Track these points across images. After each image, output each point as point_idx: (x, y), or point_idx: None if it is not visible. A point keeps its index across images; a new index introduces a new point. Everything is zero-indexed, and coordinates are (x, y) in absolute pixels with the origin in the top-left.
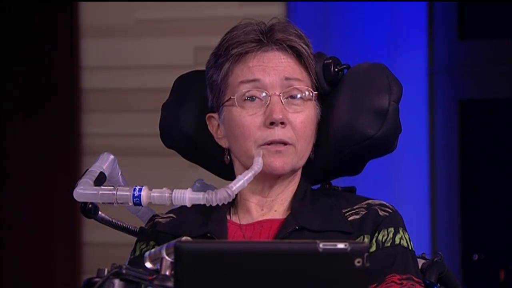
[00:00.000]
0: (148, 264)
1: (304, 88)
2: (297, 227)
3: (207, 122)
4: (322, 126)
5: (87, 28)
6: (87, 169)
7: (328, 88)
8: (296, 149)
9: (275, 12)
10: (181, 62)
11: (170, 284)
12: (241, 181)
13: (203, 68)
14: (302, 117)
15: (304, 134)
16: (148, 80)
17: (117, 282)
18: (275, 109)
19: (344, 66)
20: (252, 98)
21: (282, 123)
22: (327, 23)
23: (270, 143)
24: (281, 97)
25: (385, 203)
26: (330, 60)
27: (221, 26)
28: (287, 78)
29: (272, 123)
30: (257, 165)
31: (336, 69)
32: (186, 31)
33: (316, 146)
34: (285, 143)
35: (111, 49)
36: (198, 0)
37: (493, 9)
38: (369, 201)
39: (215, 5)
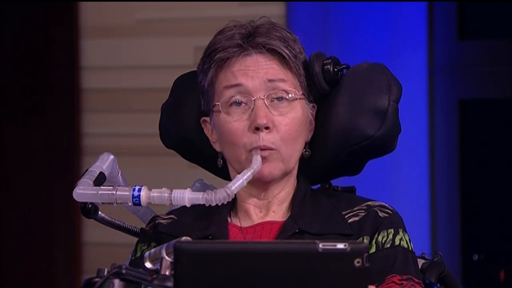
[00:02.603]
0: (148, 264)
1: (289, 89)
2: (297, 230)
3: (202, 126)
4: (322, 126)
5: (87, 28)
6: (87, 169)
7: (327, 88)
8: (281, 153)
9: (275, 12)
10: (181, 62)
11: (169, 284)
12: (240, 181)
13: None
14: (287, 120)
15: (289, 137)
16: (148, 80)
17: (117, 282)
18: (259, 113)
19: (344, 66)
20: (237, 103)
21: (267, 127)
22: (327, 23)
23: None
24: (265, 101)
25: (384, 204)
26: (330, 60)
27: (221, 26)
28: (270, 80)
29: (257, 128)
30: (256, 164)
31: (335, 69)
32: (186, 31)
33: (316, 146)
34: (268, 149)
35: (111, 49)
36: (198, 0)
37: (493, 9)
38: (369, 203)
39: (215, 5)
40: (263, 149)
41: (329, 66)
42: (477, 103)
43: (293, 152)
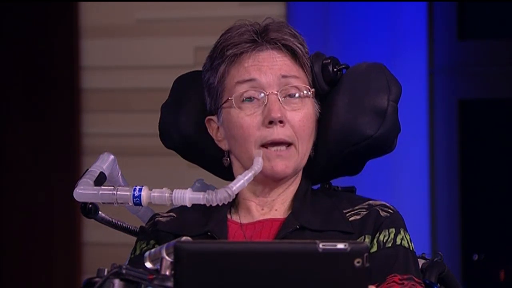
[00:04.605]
0: (148, 264)
1: (301, 85)
2: (297, 227)
3: (207, 125)
4: (322, 126)
5: (87, 28)
6: (87, 169)
7: (327, 88)
8: (297, 149)
9: (275, 12)
10: (181, 62)
11: (170, 284)
12: (241, 181)
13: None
14: (301, 115)
15: (304, 132)
16: (148, 80)
17: (117, 282)
18: (273, 108)
19: (343, 66)
20: (250, 99)
21: (281, 122)
22: (327, 23)
23: (270, 143)
24: (278, 96)
25: (386, 203)
26: (329, 60)
27: (221, 26)
28: (284, 76)
29: (271, 122)
30: (257, 165)
31: (335, 69)
32: (186, 31)
33: (316, 146)
34: (285, 143)
35: (111, 49)
36: (198, 0)
37: (493, 9)
38: (370, 202)
39: (215, 5)
40: (278, 142)
41: (328, 66)
42: (477, 103)
43: (306, 149)
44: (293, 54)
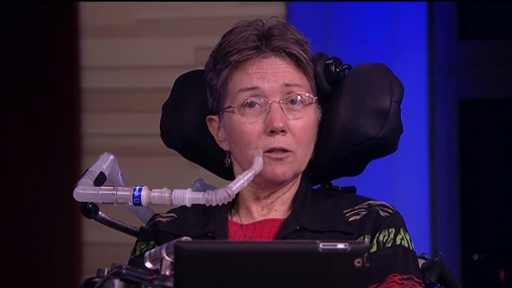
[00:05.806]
0: (148, 264)
1: (304, 93)
2: (297, 227)
3: (208, 124)
4: (324, 126)
5: (87, 28)
6: (87, 169)
7: (329, 89)
8: (296, 156)
9: (275, 12)
10: (181, 62)
11: (170, 284)
12: (241, 181)
13: (203, 68)
14: (302, 123)
15: (304, 140)
16: (148, 80)
17: (117, 282)
18: (276, 117)
19: (345, 66)
20: (251, 104)
21: (282, 131)
22: (327, 23)
23: (271, 151)
24: (281, 104)
25: (385, 203)
26: (331, 61)
27: (221, 26)
28: (287, 85)
29: (272, 131)
30: (257, 165)
31: (337, 70)
32: (186, 31)
33: (318, 147)
34: (285, 150)
35: (111, 49)
36: (198, 0)
37: (493, 9)
38: (370, 202)
39: (215, 5)
40: (278, 150)
41: (331, 67)
42: (477, 103)
43: (306, 155)
44: (297, 62)
